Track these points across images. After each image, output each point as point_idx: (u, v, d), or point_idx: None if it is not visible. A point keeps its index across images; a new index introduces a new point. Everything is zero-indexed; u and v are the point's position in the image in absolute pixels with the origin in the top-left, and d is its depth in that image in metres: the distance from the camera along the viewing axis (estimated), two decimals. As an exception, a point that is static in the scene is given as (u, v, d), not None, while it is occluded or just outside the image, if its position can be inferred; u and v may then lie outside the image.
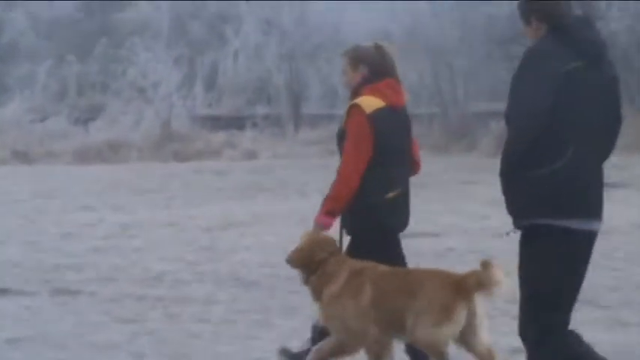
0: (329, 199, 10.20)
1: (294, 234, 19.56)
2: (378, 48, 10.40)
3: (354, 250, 10.14)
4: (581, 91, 8.16)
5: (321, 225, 10.21)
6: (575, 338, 8.36)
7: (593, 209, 8.33)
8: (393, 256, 10.26)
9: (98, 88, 45.52)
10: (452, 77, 41.81)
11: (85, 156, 38.35)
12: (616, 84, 8.44)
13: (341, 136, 10.32)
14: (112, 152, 38.59)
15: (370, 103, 10.17)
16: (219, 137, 41.04)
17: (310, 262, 9.97)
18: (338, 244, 10.12)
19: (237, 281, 15.92)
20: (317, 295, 9.92)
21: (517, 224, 8.36)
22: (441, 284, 9.36)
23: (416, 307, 9.35)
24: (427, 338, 9.29)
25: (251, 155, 39.10)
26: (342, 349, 9.86)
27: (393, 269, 9.89)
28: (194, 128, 41.71)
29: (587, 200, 8.30)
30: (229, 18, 49.21)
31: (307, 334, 10.27)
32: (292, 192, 27.42)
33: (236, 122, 42.35)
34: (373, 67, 10.37)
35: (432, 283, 9.43)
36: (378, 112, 10.15)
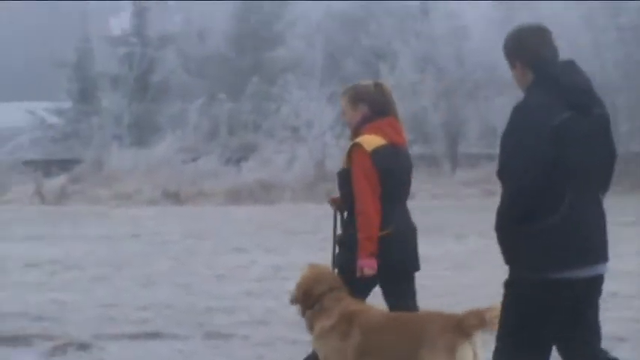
0: (364, 242, 10.28)
1: (449, 277, 19.72)
2: (378, 86, 10.70)
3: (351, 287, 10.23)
4: (575, 140, 8.19)
5: (370, 268, 10.26)
6: None
7: (598, 254, 8.36)
8: (396, 297, 10.53)
9: (250, 127, 45.85)
10: (614, 115, 41.64)
11: (236, 196, 38.55)
12: (607, 122, 8.50)
13: (343, 176, 10.58)
14: (264, 192, 38.76)
15: (371, 141, 10.42)
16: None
17: (309, 296, 10.15)
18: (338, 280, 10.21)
19: None
20: (310, 326, 10.11)
21: (527, 279, 8.29)
22: (444, 327, 9.33)
23: (421, 354, 9.32)
24: None
25: (406, 196, 39.10)
26: None
27: (389, 315, 10.04)
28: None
29: (590, 246, 8.31)
30: (384, 54, 49.37)
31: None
32: (449, 235, 27.42)
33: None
34: (373, 105, 10.64)
35: (434, 326, 9.40)
36: (380, 149, 10.40)
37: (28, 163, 42.73)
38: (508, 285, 8.38)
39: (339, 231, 10.81)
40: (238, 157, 42.89)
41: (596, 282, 8.41)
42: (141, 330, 15.55)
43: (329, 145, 42.17)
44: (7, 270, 21.41)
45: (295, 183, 39.95)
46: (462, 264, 21.74)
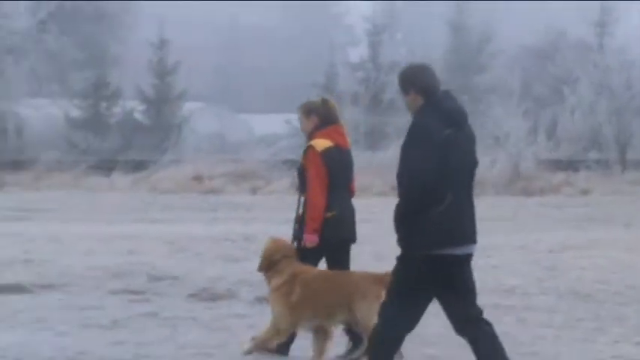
0: (309, 221, 10.99)
1: (622, 258, 19.36)
2: (324, 102, 11.38)
3: (304, 258, 10.91)
4: (454, 150, 8.73)
5: (311, 242, 10.95)
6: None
7: (470, 237, 8.87)
8: (335, 263, 11.14)
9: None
10: None
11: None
12: (474, 137, 9.01)
13: (300, 171, 11.24)
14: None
15: (321, 144, 11.12)
16: (559, 177, 40.85)
17: (269, 261, 10.73)
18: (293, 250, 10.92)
19: (574, 294, 15.59)
20: (268, 285, 10.79)
21: (413, 255, 8.77)
22: (373, 281, 10.30)
23: (354, 300, 10.30)
24: (366, 321, 10.08)
25: (584, 192, 38.78)
26: (275, 332, 10.65)
27: (327, 273, 10.93)
28: (538, 169, 41.54)
29: (465, 231, 8.86)
30: (567, 80, 49.00)
31: (635, 339, 10.12)
32: (618, 223, 27.03)
33: (572, 165, 42.13)
34: (321, 116, 11.29)
35: (364, 281, 10.38)
36: (328, 150, 11.10)
37: (285, 162, 43.04)
38: (400, 259, 8.85)
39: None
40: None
41: (468, 258, 8.92)
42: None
43: (523, 151, 41.90)
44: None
45: (496, 180, 39.73)
46: (630, 246, 21.40)
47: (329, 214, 11.09)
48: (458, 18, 55.64)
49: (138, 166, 43.19)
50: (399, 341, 9.05)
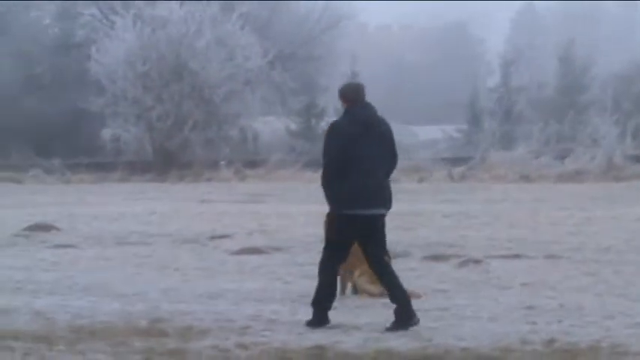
0: None
1: None
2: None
3: None
4: (360, 143, 9.16)
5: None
6: None
7: (373, 202, 9.21)
8: None
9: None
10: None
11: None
12: (386, 136, 9.36)
13: None
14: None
15: None
16: (642, 167, 39.75)
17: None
18: None
19: None
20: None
21: (336, 213, 9.26)
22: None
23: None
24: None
25: (661, 178, 37.75)
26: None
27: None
28: (626, 162, 40.11)
29: (369, 198, 9.17)
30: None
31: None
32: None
33: (651, 158, 40.93)
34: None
35: None
36: None
37: (443, 159, 42.94)
38: (328, 215, 9.38)
39: None
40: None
41: (377, 217, 9.27)
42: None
43: (614, 149, 40.75)
44: (433, 218, 21.40)
45: (595, 170, 38.90)
46: None
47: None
48: (566, 52, 54.91)
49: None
50: (333, 271, 9.38)
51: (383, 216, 9.40)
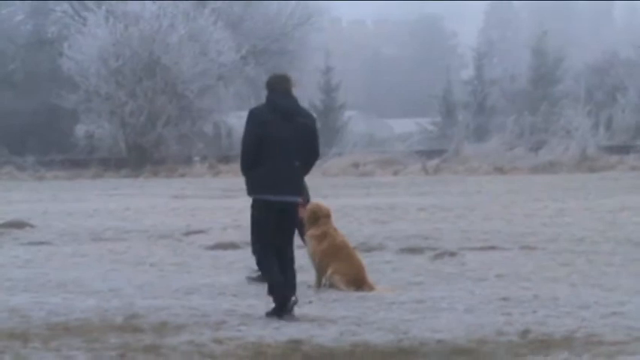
0: None
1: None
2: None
3: None
4: (275, 131, 9.26)
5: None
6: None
7: (283, 189, 9.32)
8: None
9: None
10: None
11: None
12: (306, 127, 9.44)
13: None
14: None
15: None
16: (614, 158, 39.39)
17: (314, 217, 11.05)
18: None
19: (630, 242, 15.00)
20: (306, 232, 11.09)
21: (252, 199, 9.48)
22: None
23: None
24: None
25: (634, 168, 37.61)
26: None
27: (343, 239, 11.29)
28: (599, 153, 40.33)
29: (279, 184, 9.30)
30: (619, 88, 48.13)
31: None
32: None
33: (624, 149, 40.67)
34: None
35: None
36: None
37: (417, 152, 42.98)
38: (252, 203, 9.55)
39: None
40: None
41: (286, 204, 9.38)
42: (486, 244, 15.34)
43: (587, 140, 40.94)
44: (408, 211, 21.44)
45: (568, 161, 39.13)
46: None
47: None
48: (539, 44, 55.11)
49: (312, 157, 43.56)
50: (267, 253, 9.42)
51: (295, 204, 9.47)
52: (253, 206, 9.53)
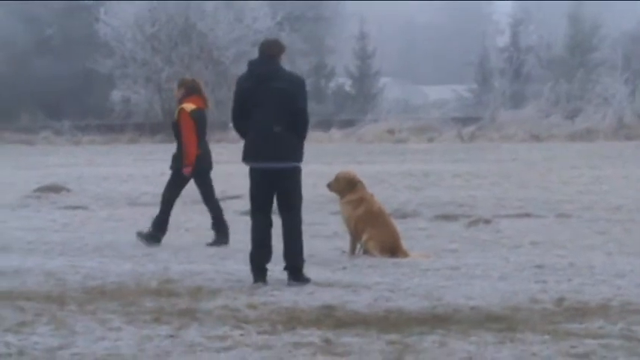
0: (186, 160, 12.02)
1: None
2: (192, 80, 12.43)
3: (180, 182, 12.24)
4: (251, 97, 9.23)
5: (188, 172, 12.10)
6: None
7: (263, 156, 9.22)
8: (202, 184, 12.31)
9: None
10: None
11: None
12: (283, 91, 9.18)
13: (174, 127, 12.17)
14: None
15: (189, 107, 12.03)
16: (652, 126, 39.60)
17: (351, 183, 11.09)
18: None
19: None
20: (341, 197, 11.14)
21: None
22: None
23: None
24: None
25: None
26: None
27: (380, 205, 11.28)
28: (636, 120, 40.24)
29: (258, 151, 9.22)
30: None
31: None
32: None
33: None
34: (187, 88, 12.17)
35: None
36: (193, 111, 12.02)
37: (453, 119, 42.81)
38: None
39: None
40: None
41: (269, 170, 9.21)
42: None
43: (625, 108, 40.59)
44: (443, 178, 21.37)
45: (606, 129, 38.80)
46: None
47: (199, 152, 12.09)
48: (575, 11, 54.51)
49: (347, 124, 43.46)
50: (261, 226, 9.36)
51: (281, 170, 9.25)
52: (250, 170, 9.47)
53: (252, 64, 9.39)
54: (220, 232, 12.22)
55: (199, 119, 12.12)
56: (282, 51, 9.44)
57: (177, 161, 12.21)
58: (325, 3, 51.96)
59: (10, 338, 7.13)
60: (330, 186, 11.29)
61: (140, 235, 12.21)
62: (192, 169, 12.07)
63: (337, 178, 11.23)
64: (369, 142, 38.59)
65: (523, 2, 57.64)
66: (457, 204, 16.11)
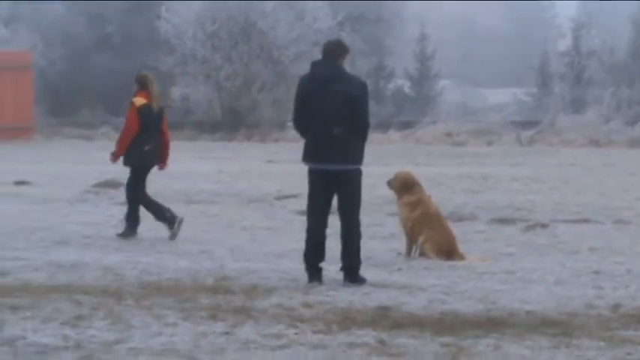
0: (116, 149, 12.46)
1: None
2: (144, 76, 12.65)
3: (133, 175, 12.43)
4: (312, 99, 9.25)
5: (111, 161, 12.65)
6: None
7: (322, 158, 9.23)
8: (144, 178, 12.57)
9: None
10: None
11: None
12: (345, 93, 9.17)
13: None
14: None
15: (138, 101, 12.35)
16: None
17: (408, 184, 11.13)
18: None
19: None
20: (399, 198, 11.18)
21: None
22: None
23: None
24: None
25: None
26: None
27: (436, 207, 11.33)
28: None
29: (317, 152, 9.26)
30: None
31: None
32: None
33: None
34: (140, 84, 12.51)
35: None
36: (142, 105, 12.35)
37: (512, 122, 42.51)
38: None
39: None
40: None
41: (328, 173, 9.24)
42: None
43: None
44: (501, 181, 21.22)
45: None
46: None
47: (147, 147, 12.27)
48: (638, 15, 53.87)
49: (406, 125, 43.42)
50: (317, 226, 9.34)
51: (340, 172, 9.25)
52: (308, 171, 9.52)
53: (314, 66, 9.43)
54: (130, 224, 12.52)
55: (146, 114, 12.33)
56: (346, 53, 9.47)
57: (130, 158, 12.47)
58: (386, 4, 51.90)
59: (68, 331, 7.25)
60: (389, 183, 11.35)
61: (119, 235, 12.53)
62: (116, 159, 12.56)
63: (397, 177, 11.26)
64: (427, 144, 38.49)
65: (587, 3, 56.99)
66: (515, 208, 16.01)
